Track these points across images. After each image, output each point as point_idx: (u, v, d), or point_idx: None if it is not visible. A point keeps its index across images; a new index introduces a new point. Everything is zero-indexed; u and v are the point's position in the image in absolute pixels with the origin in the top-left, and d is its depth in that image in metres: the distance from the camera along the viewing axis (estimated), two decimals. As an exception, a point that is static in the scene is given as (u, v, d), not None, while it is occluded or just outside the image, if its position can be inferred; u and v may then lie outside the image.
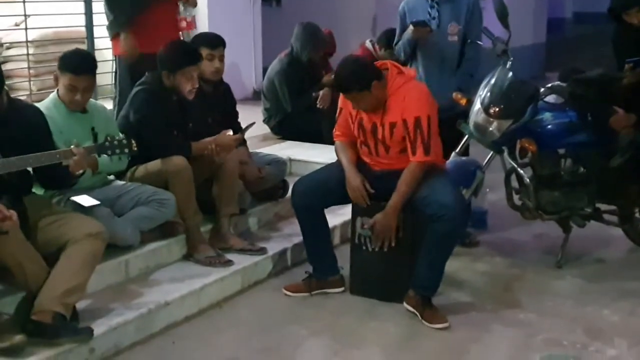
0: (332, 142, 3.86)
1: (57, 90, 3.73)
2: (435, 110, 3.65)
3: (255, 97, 7.48)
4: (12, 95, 3.45)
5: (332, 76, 5.90)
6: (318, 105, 5.93)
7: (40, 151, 3.21)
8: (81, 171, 3.33)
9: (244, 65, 7.75)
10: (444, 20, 4.62)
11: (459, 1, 4.63)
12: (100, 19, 5.89)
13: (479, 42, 4.59)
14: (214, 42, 4.37)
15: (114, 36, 4.86)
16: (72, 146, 3.28)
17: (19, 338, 2.96)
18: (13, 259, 3.08)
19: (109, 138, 3.37)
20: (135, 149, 3.42)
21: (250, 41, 7.85)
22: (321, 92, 5.95)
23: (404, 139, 3.62)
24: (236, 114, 4.70)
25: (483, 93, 4.15)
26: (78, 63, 3.67)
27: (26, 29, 5.85)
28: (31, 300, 3.15)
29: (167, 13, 4.90)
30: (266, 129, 6.18)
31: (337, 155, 3.86)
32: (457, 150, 4.29)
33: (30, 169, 3.31)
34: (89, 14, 6.05)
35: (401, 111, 3.59)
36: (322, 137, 5.75)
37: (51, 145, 3.39)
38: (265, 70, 6.52)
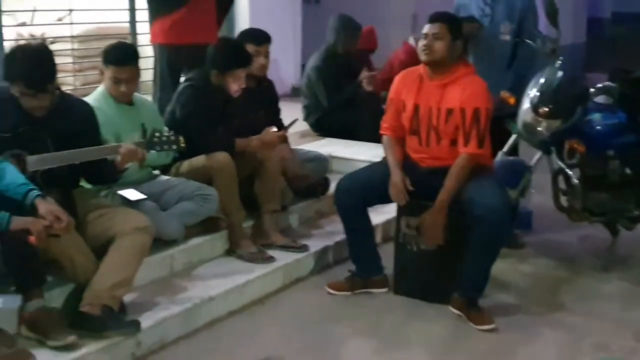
0: (370, 139, 3.86)
1: (104, 84, 3.75)
2: (492, 107, 3.61)
3: (293, 93, 7.47)
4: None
5: (370, 72, 5.95)
6: (365, 87, 5.85)
7: (88, 145, 3.25)
8: (126, 166, 3.35)
9: (284, 62, 7.74)
10: (496, 18, 4.56)
11: (513, 0, 4.57)
12: (143, 15, 5.94)
13: (531, 42, 4.52)
14: (260, 38, 4.38)
15: (154, 20, 4.82)
16: (125, 140, 3.30)
17: (71, 339, 2.98)
18: (63, 251, 3.12)
19: (157, 134, 3.39)
20: (184, 145, 3.44)
21: (290, 38, 7.85)
22: (366, 74, 5.88)
23: (457, 129, 3.58)
24: (279, 111, 4.70)
25: (532, 92, 4.09)
26: (120, 55, 3.72)
27: (71, 24, 5.89)
28: (80, 292, 3.19)
29: (206, 3, 4.89)
30: (305, 126, 6.16)
31: (384, 151, 3.83)
32: (505, 149, 4.24)
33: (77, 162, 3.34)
34: (132, 9, 6.08)
35: (460, 100, 3.57)
36: (360, 134, 5.73)
37: (99, 140, 3.43)
38: (304, 67, 6.51)
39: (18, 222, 2.83)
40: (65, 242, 3.09)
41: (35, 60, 3.14)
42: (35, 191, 2.94)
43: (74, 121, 3.30)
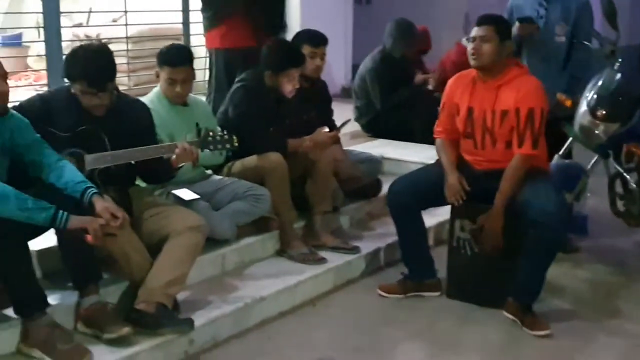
0: (424, 141, 3.83)
1: (160, 85, 3.80)
2: (547, 107, 3.55)
3: (344, 94, 7.47)
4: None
5: (425, 76, 5.93)
6: (429, 86, 5.82)
7: (144, 144, 3.29)
8: (181, 165, 3.38)
9: (335, 63, 7.72)
10: (551, 19, 4.50)
11: (568, 1, 4.49)
12: (196, 16, 6.00)
13: (587, 44, 4.44)
14: (317, 40, 4.38)
15: (210, 29, 4.88)
16: (179, 140, 3.33)
17: (125, 330, 3.03)
18: (120, 249, 3.16)
19: (211, 133, 3.41)
20: (237, 144, 3.46)
21: (341, 39, 7.84)
22: (422, 77, 5.87)
23: (512, 131, 3.54)
24: (331, 111, 4.70)
25: (589, 95, 4.02)
26: (174, 56, 3.75)
27: (126, 24, 5.98)
28: (134, 289, 3.23)
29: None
30: (356, 127, 6.15)
31: (438, 154, 3.80)
32: (561, 152, 4.17)
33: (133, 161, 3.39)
34: (185, 10, 6.14)
35: (515, 101, 3.52)
36: (413, 135, 5.70)
37: (155, 139, 3.47)
38: (355, 67, 6.49)
39: (75, 221, 2.87)
40: (121, 240, 3.13)
41: (96, 59, 3.20)
42: (92, 189, 2.99)
43: (131, 121, 3.35)
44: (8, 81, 2.94)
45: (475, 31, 3.61)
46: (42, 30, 5.28)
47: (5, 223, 2.78)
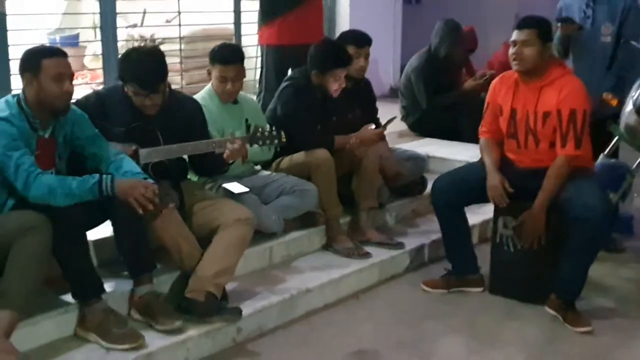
0: (471, 140, 3.87)
1: (211, 83, 3.93)
2: (590, 107, 3.58)
3: (392, 94, 7.52)
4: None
5: (475, 81, 5.95)
6: (477, 80, 5.91)
7: (197, 140, 3.41)
8: (235, 159, 3.49)
9: (383, 63, 7.79)
10: (598, 19, 4.52)
11: (615, 1, 4.50)
12: (248, 17, 6.14)
13: (633, 43, 4.43)
14: (361, 40, 4.45)
15: (263, 24, 4.99)
16: (228, 136, 3.46)
17: (178, 323, 3.15)
18: (172, 239, 3.29)
19: (260, 129, 3.52)
20: (285, 140, 3.56)
21: (390, 39, 7.89)
22: (473, 83, 5.93)
23: (555, 132, 3.57)
24: (376, 110, 4.76)
25: (636, 94, 4.01)
26: (226, 54, 3.88)
27: (179, 25, 6.14)
28: (185, 279, 3.35)
29: (315, 5, 5.02)
30: (403, 126, 6.20)
31: (481, 153, 3.85)
32: (606, 152, 4.17)
33: (185, 156, 3.52)
34: (237, 11, 6.28)
35: (557, 102, 3.56)
36: (460, 135, 5.73)
37: (207, 134, 3.59)
38: (403, 67, 6.55)
39: (121, 184, 3.00)
40: (172, 230, 3.27)
41: (148, 62, 3.32)
42: (150, 180, 3.12)
43: (183, 117, 3.48)
44: None
45: (516, 35, 3.63)
46: (98, 30, 5.47)
47: (65, 215, 2.94)
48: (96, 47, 6.08)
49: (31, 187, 2.90)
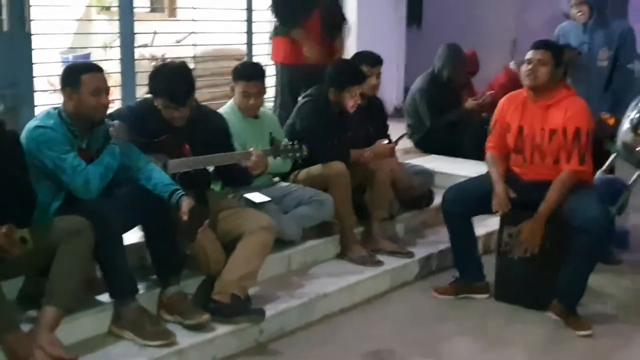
0: (473, 156, 4.09)
1: (234, 99, 4.16)
2: (593, 126, 3.82)
3: (396, 114, 7.74)
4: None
5: (476, 101, 6.20)
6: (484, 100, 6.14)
7: (222, 152, 3.63)
8: (259, 171, 3.71)
9: (387, 84, 7.95)
10: (595, 45, 4.80)
11: (611, 27, 4.77)
12: (259, 38, 6.37)
13: (629, 66, 4.70)
14: (373, 60, 4.71)
15: (275, 36, 5.20)
16: (251, 149, 3.68)
17: (204, 318, 3.35)
18: (199, 245, 3.49)
19: (283, 143, 3.76)
20: (306, 153, 3.79)
21: (394, 62, 8.12)
22: (474, 103, 6.17)
23: (560, 148, 3.81)
24: (387, 127, 5.00)
25: (632, 113, 4.25)
26: (249, 71, 4.12)
27: (194, 45, 6.36)
28: (210, 282, 3.55)
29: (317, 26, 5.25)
30: (409, 143, 6.43)
31: (488, 166, 4.09)
32: (604, 168, 4.41)
33: (211, 167, 3.73)
34: (249, 32, 6.51)
35: (563, 121, 3.80)
36: (463, 152, 5.98)
37: (231, 146, 3.80)
38: (406, 89, 6.78)
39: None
40: (200, 237, 3.47)
41: (177, 77, 3.55)
42: (180, 191, 3.35)
43: (209, 130, 3.70)
44: None
45: (532, 54, 3.87)
46: (108, 49, 5.62)
47: (107, 220, 3.15)
48: (105, 66, 6.26)
49: (90, 183, 3.14)
